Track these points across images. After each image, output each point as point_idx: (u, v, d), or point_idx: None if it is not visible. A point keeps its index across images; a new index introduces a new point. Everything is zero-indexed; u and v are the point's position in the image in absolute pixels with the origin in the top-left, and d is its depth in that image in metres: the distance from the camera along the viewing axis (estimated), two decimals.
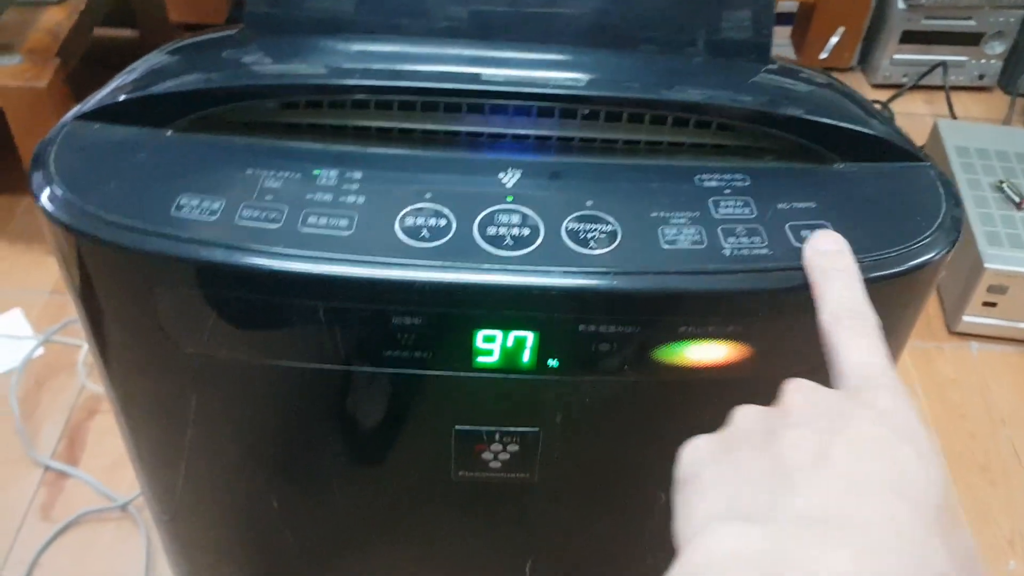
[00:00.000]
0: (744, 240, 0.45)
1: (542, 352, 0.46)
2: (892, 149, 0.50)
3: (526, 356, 0.47)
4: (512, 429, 0.51)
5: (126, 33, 1.61)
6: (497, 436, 0.51)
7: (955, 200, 0.48)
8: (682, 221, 0.46)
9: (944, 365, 1.24)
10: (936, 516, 0.32)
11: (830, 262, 0.42)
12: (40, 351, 1.16)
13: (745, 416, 0.37)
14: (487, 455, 0.52)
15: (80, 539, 0.99)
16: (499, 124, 0.50)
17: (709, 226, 0.46)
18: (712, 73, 0.51)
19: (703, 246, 0.45)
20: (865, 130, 0.49)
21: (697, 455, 0.37)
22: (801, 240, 0.45)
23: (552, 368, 0.47)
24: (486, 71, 0.50)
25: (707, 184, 0.48)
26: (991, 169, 1.33)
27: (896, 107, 1.63)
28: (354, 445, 0.53)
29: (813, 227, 0.46)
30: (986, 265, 1.20)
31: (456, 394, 0.49)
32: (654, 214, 0.46)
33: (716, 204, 0.47)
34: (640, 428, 0.51)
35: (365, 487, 0.56)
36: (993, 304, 1.23)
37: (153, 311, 0.46)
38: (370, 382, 0.48)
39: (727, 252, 0.45)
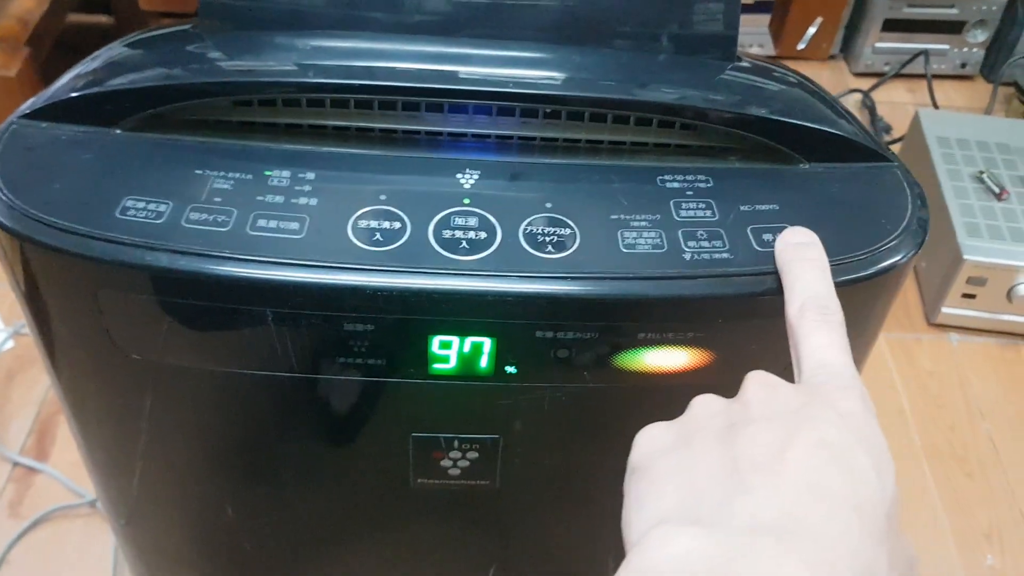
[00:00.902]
0: (705, 244, 0.44)
1: (499, 358, 0.45)
2: (858, 149, 0.49)
3: (483, 362, 0.46)
4: (471, 436, 0.50)
5: (102, 19, 1.58)
6: (456, 443, 0.50)
7: (921, 201, 0.47)
8: (643, 224, 0.45)
9: (923, 357, 1.23)
10: (885, 529, 0.32)
11: (800, 253, 0.42)
12: (10, 344, 1.14)
13: (705, 406, 0.37)
14: (446, 462, 0.51)
15: (49, 536, 0.97)
16: (459, 123, 0.49)
17: (670, 229, 0.45)
18: (675, 71, 0.50)
19: (663, 250, 0.44)
20: (830, 130, 0.48)
21: (653, 444, 0.36)
22: (763, 243, 0.44)
23: (510, 374, 0.46)
24: (446, 68, 0.48)
25: (669, 185, 0.47)
26: (972, 159, 1.32)
27: (878, 96, 1.62)
28: (309, 453, 0.52)
29: (775, 230, 0.45)
30: (965, 257, 1.19)
31: (413, 401, 0.48)
32: (614, 216, 0.45)
33: (678, 206, 0.46)
34: (602, 434, 0.51)
35: (321, 495, 0.54)
36: (972, 296, 1.23)
37: (98, 315, 0.44)
38: (324, 389, 0.47)
39: (687, 256, 0.44)
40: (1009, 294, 1.21)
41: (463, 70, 0.48)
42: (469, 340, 0.45)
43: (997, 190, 1.26)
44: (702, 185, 0.47)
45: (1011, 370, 1.22)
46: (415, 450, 0.50)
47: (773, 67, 0.53)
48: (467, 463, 0.51)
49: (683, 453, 0.34)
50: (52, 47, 1.25)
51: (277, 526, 0.57)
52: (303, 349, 0.45)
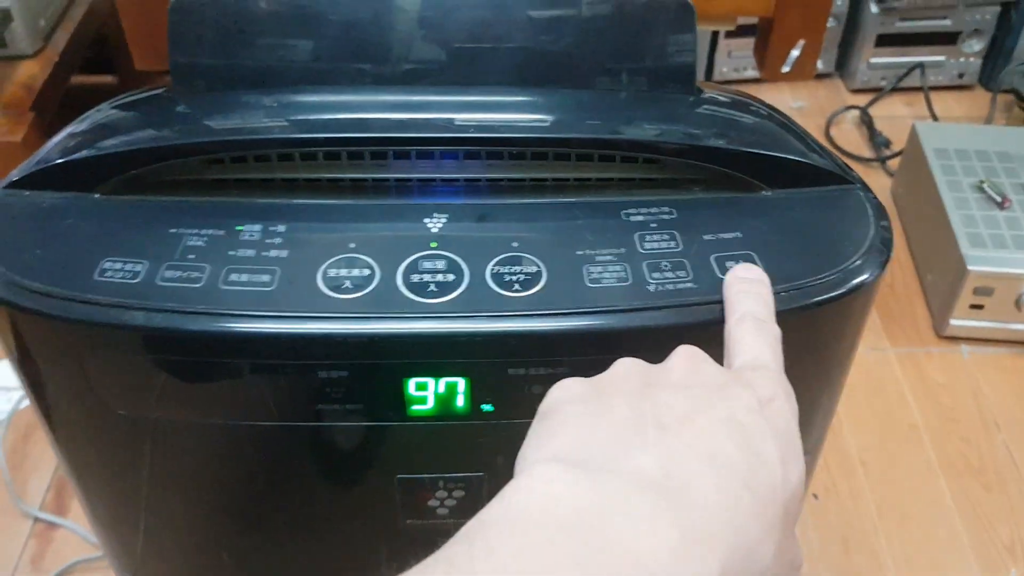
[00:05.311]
0: (669, 274, 0.45)
1: (475, 397, 0.46)
2: (819, 173, 0.49)
3: (460, 402, 0.46)
4: (456, 475, 0.50)
5: (105, 79, 1.62)
6: (441, 483, 0.51)
7: (882, 219, 0.48)
8: (608, 258, 0.46)
9: (934, 370, 1.22)
10: (779, 520, 0.31)
11: (749, 286, 0.42)
12: (26, 402, 1.16)
13: (625, 366, 0.36)
14: (433, 502, 0.52)
15: None
16: (426, 169, 0.50)
17: (634, 261, 0.46)
18: (636, 108, 0.51)
19: (628, 283, 0.45)
20: (787, 156, 0.49)
21: (565, 394, 0.35)
22: (726, 271, 0.45)
23: (487, 412, 0.47)
24: (410, 117, 0.50)
25: (633, 219, 0.48)
26: (971, 169, 1.32)
27: (876, 111, 1.63)
28: (298, 499, 0.52)
29: (738, 258, 0.45)
30: (970, 268, 1.18)
31: (394, 444, 0.49)
32: (580, 252, 0.46)
33: (642, 239, 0.47)
34: None
35: (314, 540, 0.55)
36: (980, 306, 1.22)
37: (84, 375, 0.46)
38: (307, 437, 0.48)
39: (652, 288, 0.44)
40: (1017, 302, 1.20)
41: (428, 117, 0.49)
42: (443, 381, 0.45)
43: (999, 199, 1.26)
44: (666, 217, 0.48)
45: None
46: (402, 492, 0.51)
47: (733, 96, 0.54)
48: (454, 502, 0.52)
49: (593, 403, 0.34)
50: (57, 109, 1.28)
51: (274, 571, 0.57)
52: (282, 398, 0.46)
